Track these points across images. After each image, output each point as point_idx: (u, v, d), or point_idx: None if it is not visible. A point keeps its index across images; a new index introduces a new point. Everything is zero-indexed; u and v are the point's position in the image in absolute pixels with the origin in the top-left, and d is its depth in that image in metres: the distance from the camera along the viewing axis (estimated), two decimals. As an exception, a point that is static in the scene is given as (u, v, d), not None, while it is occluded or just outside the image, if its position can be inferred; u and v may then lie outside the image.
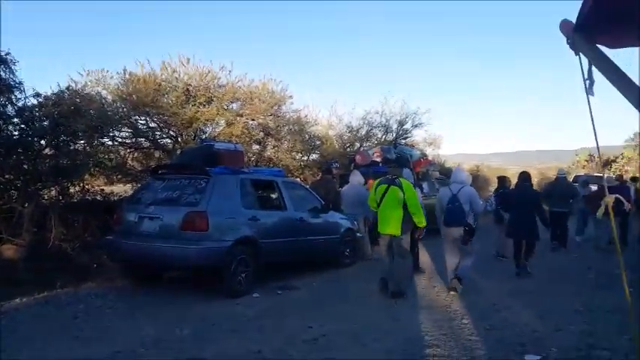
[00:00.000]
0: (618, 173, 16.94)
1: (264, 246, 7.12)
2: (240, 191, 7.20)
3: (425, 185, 13.35)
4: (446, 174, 11.74)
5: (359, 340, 5.00)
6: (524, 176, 8.89)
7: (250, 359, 4.48)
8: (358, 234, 9.43)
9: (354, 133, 17.64)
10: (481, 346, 4.78)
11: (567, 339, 4.96)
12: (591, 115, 2.36)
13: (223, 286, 6.62)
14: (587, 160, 30.86)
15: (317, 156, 17.25)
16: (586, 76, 2.27)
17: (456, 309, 6.20)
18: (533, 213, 8.28)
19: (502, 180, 10.80)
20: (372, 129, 17.72)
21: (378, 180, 7.18)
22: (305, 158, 16.74)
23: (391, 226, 6.60)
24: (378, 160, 12.86)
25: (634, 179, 13.31)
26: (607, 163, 28.99)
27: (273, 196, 8.43)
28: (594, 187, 13.15)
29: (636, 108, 2.18)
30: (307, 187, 9.46)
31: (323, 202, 8.70)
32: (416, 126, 18.26)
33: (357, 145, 17.46)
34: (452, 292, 6.89)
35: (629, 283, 5.98)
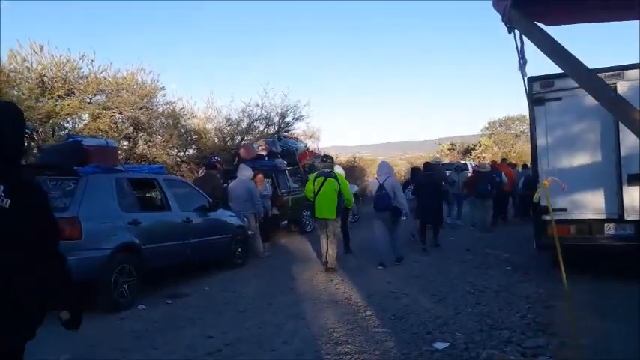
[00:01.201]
0: (492, 160, 18.58)
1: (147, 252, 6.44)
2: (116, 192, 6.41)
3: (311, 178, 13.32)
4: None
5: (265, 344, 4.66)
6: (429, 167, 10.27)
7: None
8: (249, 232, 9.01)
9: (234, 126, 17.02)
10: (390, 337, 4.71)
11: (468, 321, 5.10)
12: (526, 92, 2.29)
13: (103, 299, 5.83)
14: (449, 149, 33.48)
15: (194, 151, 16.40)
16: (519, 55, 2.17)
17: (357, 301, 6.12)
18: (438, 198, 9.74)
19: (415, 171, 10.98)
20: (253, 122, 17.22)
21: (315, 173, 8.51)
22: (181, 154, 15.84)
23: (328, 211, 7.88)
24: (264, 153, 12.50)
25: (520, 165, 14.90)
26: (467, 151, 31.76)
27: (155, 196, 7.69)
28: (469, 174, 14.13)
29: (579, 84, 2.11)
30: (192, 184, 8.78)
31: (210, 200, 8.14)
32: (297, 119, 18.13)
33: (238, 138, 16.88)
34: (380, 267, 8.00)
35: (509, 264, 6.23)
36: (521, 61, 2.16)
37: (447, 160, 28.11)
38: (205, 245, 7.68)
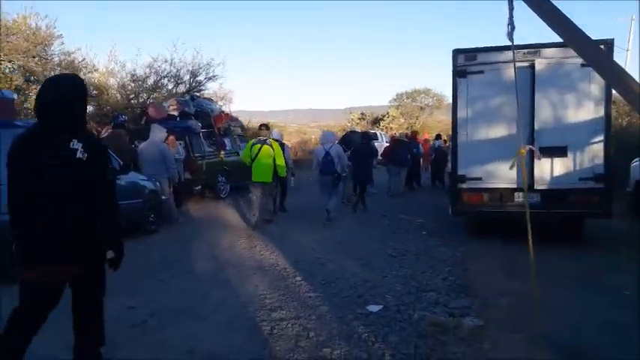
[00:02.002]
0: (413, 130, 19.44)
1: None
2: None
3: (227, 142, 12.85)
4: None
5: (194, 314, 4.43)
6: (367, 135, 12.20)
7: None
8: (163, 197, 8.52)
9: (140, 82, 15.89)
10: (323, 302, 4.69)
11: (395, 284, 5.23)
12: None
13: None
14: (360, 118, 34.16)
15: (94, 108, 15.14)
16: (509, 21, 2.12)
17: (284, 267, 6.03)
18: (370, 163, 11.11)
19: (348, 137, 12.76)
20: (160, 79, 16.18)
21: (253, 140, 9.02)
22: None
23: (265, 175, 8.51)
24: (175, 113, 11.79)
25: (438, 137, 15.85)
26: (376, 121, 32.60)
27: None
28: (379, 143, 14.59)
29: (580, 55, 2.09)
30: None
31: (120, 162, 7.51)
32: (210, 78, 17.31)
33: (144, 96, 15.82)
34: (327, 222, 8.84)
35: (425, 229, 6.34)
36: (509, 27, 2.11)
37: (358, 129, 28.58)
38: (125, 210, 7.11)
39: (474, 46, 7.26)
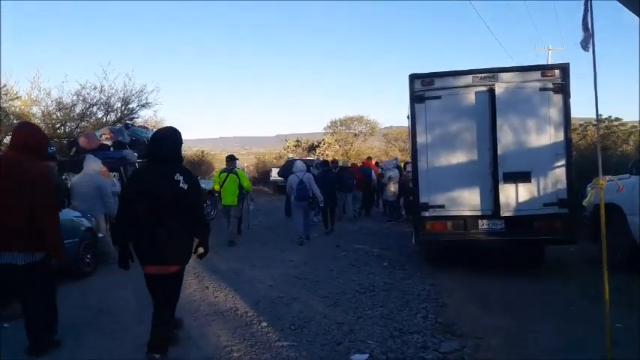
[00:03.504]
0: (368, 156, 19.69)
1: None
2: None
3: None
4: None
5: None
6: (326, 162, 13.19)
7: None
8: (99, 234, 7.63)
9: (67, 111, 14.69)
10: (299, 352, 4.14)
11: (373, 326, 4.79)
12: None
13: None
14: (295, 145, 33.85)
15: (15, 139, 13.77)
16: (584, 26, 1.80)
17: (245, 310, 5.39)
18: (333, 189, 11.72)
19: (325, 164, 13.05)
20: (90, 107, 15.07)
21: (220, 169, 10.61)
22: (-2, 142, 13.20)
23: (231, 199, 9.83)
24: (108, 143, 10.85)
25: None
26: (312, 148, 32.46)
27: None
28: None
29: None
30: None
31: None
32: (143, 105, 16.35)
33: (72, 125, 14.65)
34: (301, 245, 9.72)
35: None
36: (586, 34, 1.79)
37: (292, 156, 28.19)
38: (47, 253, 6.19)
39: (428, 72, 7.14)
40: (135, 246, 3.86)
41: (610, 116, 15.02)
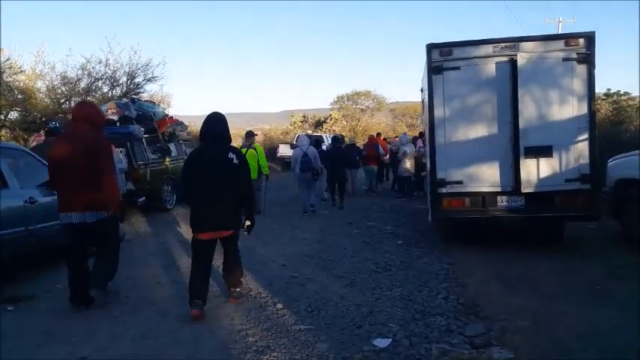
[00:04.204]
0: (377, 132, 19.40)
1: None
2: None
3: (172, 148, 11.79)
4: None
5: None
6: (337, 139, 13.10)
7: None
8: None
9: (72, 85, 14.46)
10: (317, 336, 3.96)
11: (393, 308, 4.60)
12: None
13: None
14: (302, 121, 33.52)
15: (19, 114, 13.66)
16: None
17: (258, 291, 5.23)
18: (343, 165, 11.96)
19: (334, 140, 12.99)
20: (95, 81, 14.82)
21: (241, 145, 10.55)
22: (2, 117, 13.06)
23: (251, 173, 9.51)
24: (115, 118, 10.61)
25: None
26: (319, 124, 32.13)
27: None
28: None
29: None
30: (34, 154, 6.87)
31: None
32: (149, 79, 16.07)
33: (77, 100, 14.40)
34: (305, 214, 10.44)
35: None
36: None
37: (299, 132, 27.86)
38: (54, 232, 6.00)
39: (447, 41, 6.81)
40: (198, 215, 4.51)
41: (619, 90, 14.64)
